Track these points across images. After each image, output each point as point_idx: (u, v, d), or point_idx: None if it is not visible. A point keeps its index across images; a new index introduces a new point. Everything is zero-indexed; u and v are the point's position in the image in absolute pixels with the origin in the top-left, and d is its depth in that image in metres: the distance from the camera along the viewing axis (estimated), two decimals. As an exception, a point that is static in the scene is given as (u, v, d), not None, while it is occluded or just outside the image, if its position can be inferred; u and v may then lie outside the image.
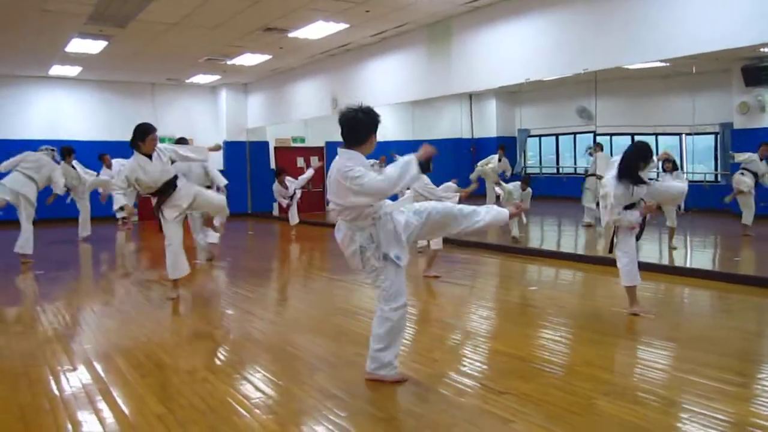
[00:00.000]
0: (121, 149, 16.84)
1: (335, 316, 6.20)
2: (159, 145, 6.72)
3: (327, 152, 18.83)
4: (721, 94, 14.54)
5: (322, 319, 6.20)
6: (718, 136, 15.10)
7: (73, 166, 12.37)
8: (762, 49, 12.03)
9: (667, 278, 7.58)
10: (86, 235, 12.62)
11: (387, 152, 15.39)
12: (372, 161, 15.05)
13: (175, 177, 6.78)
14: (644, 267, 8.25)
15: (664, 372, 4.46)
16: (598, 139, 13.87)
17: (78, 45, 11.82)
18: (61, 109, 16.20)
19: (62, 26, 10.47)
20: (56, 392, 4.20)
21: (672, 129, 15.66)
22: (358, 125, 4.04)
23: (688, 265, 8.70)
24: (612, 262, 8.74)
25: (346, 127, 4.06)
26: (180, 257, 6.88)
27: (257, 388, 4.20)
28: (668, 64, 10.39)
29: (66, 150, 12.18)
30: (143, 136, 6.54)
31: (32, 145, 15.54)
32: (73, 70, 14.76)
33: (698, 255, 9.94)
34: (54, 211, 15.74)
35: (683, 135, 15.81)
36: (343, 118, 4.06)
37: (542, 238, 12.28)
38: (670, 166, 8.96)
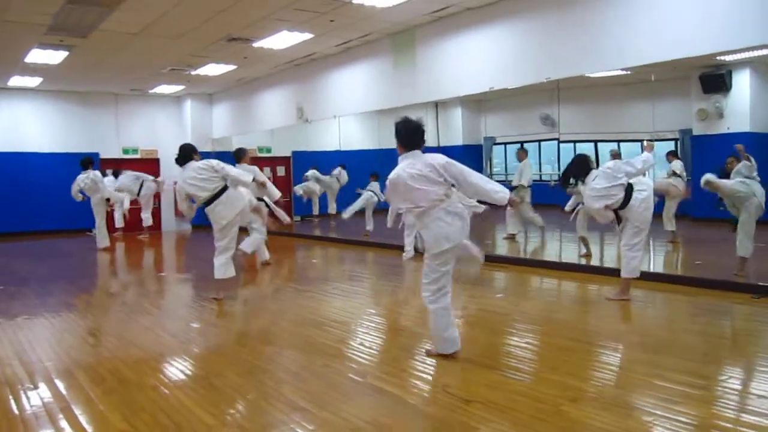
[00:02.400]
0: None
1: (303, 328, 6.16)
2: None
3: (293, 162, 18.76)
4: (680, 101, 14.83)
5: (289, 330, 6.15)
6: (678, 142, 15.41)
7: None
8: (718, 58, 12.33)
9: (632, 283, 7.68)
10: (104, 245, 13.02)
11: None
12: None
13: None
14: (609, 272, 8.38)
15: (629, 377, 4.52)
16: (562, 146, 14.02)
17: (38, 55, 11.61)
18: (22, 120, 15.87)
19: (22, 36, 10.27)
20: (16, 411, 4.10)
21: (633, 135, 15.91)
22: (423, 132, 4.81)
23: (651, 270, 8.84)
24: (576, 269, 8.87)
25: (418, 134, 4.78)
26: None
27: (224, 403, 4.15)
28: (629, 72, 10.57)
29: (86, 161, 12.92)
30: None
31: (-9, 157, 15.31)
32: (33, 81, 14.47)
33: (659, 260, 10.11)
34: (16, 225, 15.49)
35: (644, 141, 16.08)
36: (415, 125, 4.78)
37: (507, 245, 12.36)
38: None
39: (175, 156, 7.46)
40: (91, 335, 6.14)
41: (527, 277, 8.72)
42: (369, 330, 6.14)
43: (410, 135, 4.78)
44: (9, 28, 9.64)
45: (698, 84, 13.93)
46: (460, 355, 4.85)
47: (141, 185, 14.48)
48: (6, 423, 3.91)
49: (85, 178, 12.69)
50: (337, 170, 16.25)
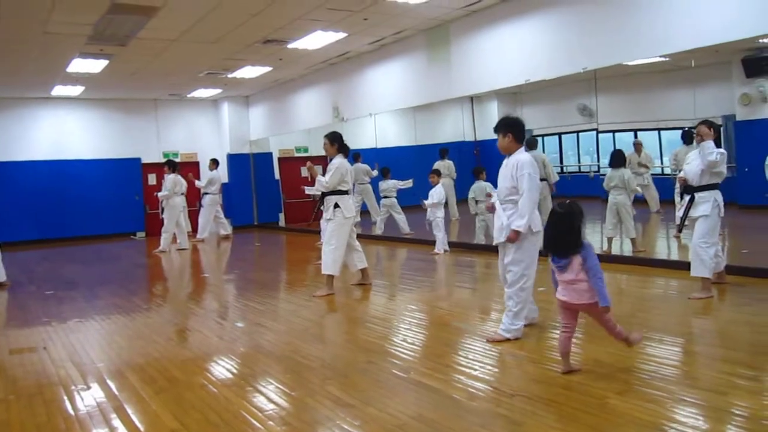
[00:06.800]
0: (126, 166, 17.01)
1: (345, 325, 6.21)
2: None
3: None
4: (722, 86, 14.52)
5: (332, 328, 6.21)
6: (722, 128, 15.06)
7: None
8: (761, 40, 12.01)
9: (675, 273, 7.57)
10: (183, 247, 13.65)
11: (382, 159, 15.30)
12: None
13: None
14: (654, 263, 8.27)
15: (675, 368, 4.46)
16: (601, 136, 13.81)
17: (79, 65, 11.90)
18: (66, 128, 16.27)
19: (63, 47, 10.54)
20: (71, 411, 4.23)
21: (674, 123, 15.64)
22: None
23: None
24: (614, 260, 8.75)
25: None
26: None
27: (270, 400, 4.22)
28: (668, 59, 10.39)
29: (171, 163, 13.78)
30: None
31: (38, 166, 15.74)
32: (75, 90, 14.84)
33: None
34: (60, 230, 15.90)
35: (686, 129, 15.78)
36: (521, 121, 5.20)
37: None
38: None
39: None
40: (140, 337, 6.28)
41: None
42: (411, 326, 6.16)
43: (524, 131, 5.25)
44: (51, 39, 9.90)
45: (741, 68, 13.60)
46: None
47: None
48: (63, 422, 4.04)
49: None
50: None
